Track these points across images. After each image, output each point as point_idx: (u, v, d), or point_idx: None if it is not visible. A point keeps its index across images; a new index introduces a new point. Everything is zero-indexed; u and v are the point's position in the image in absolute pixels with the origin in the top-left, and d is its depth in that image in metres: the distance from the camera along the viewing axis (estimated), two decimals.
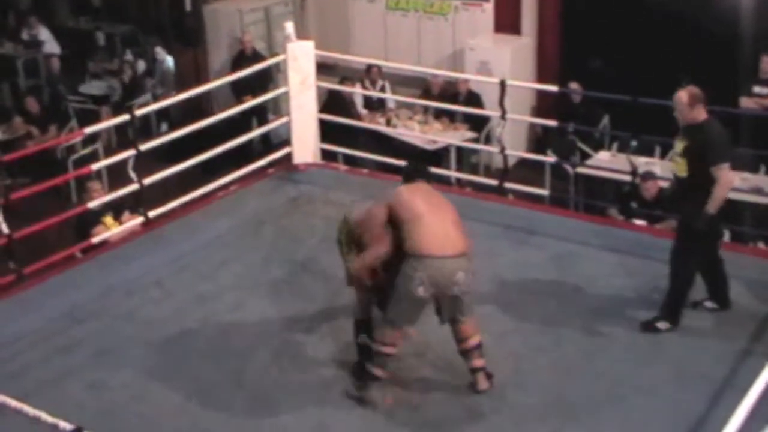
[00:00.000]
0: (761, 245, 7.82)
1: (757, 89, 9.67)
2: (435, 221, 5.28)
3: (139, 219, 7.45)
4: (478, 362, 5.43)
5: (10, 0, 15.05)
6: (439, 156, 10.32)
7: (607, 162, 9.56)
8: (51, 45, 13.81)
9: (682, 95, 5.72)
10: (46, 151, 9.77)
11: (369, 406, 5.34)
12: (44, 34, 13.84)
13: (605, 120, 10.25)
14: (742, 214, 8.75)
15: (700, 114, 5.71)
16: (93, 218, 7.76)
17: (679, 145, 5.80)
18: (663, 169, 9.18)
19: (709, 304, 6.04)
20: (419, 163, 6.01)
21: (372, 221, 5.36)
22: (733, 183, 5.89)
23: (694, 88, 5.73)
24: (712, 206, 5.56)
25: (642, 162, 9.18)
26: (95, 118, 11.30)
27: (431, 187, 5.66)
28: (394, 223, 5.31)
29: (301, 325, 6.19)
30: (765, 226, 8.15)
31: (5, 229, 6.38)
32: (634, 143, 9.29)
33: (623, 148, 9.64)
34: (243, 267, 6.93)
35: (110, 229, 7.64)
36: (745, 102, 9.62)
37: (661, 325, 5.81)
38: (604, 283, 6.52)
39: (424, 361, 5.81)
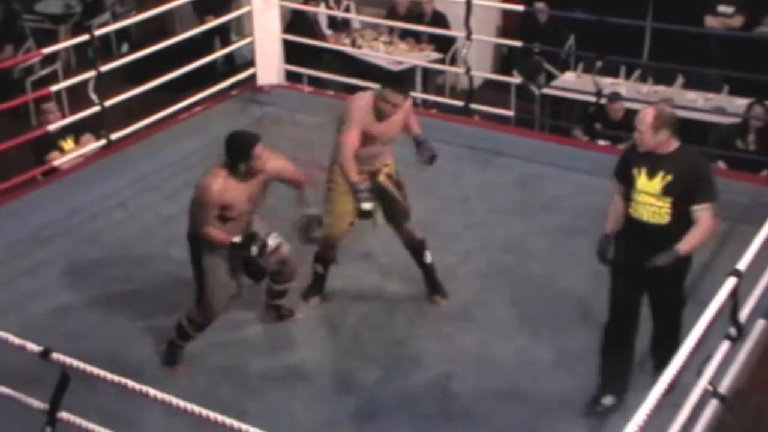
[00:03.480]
0: (721, 165, 7.89)
1: (721, 8, 9.61)
2: None
3: (101, 141, 7.36)
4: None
5: None
6: (405, 76, 10.25)
7: (572, 83, 9.54)
8: None
9: (647, 114, 4.43)
10: (2, 71, 9.59)
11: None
12: None
13: (571, 40, 10.20)
14: (705, 134, 8.84)
15: (669, 142, 4.46)
16: (51, 142, 7.65)
17: (654, 183, 4.48)
18: (628, 90, 9.20)
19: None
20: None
21: None
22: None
23: (664, 107, 4.54)
24: (686, 247, 4.45)
25: (607, 83, 9.19)
26: (53, 38, 11.06)
27: None
28: None
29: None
30: (726, 145, 8.21)
31: None
32: (599, 64, 9.28)
33: (589, 69, 9.64)
34: None
35: (67, 154, 7.54)
36: (710, 21, 9.59)
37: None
38: (569, 203, 6.58)
39: (389, 279, 5.86)
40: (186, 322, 5.11)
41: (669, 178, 4.43)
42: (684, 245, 4.42)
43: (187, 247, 5.04)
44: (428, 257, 5.66)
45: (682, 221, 4.43)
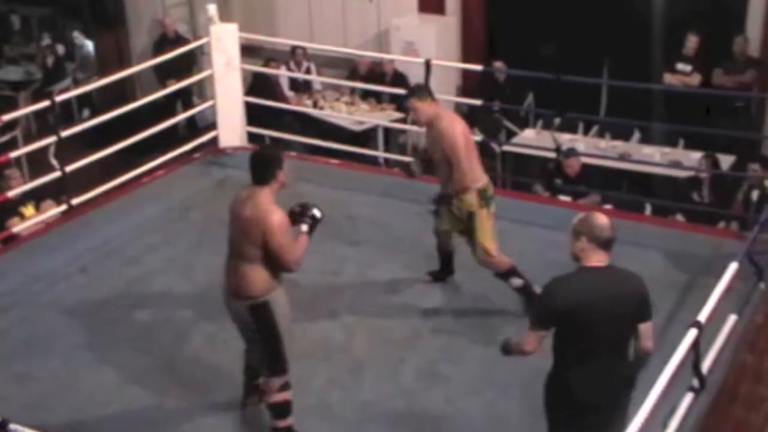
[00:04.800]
0: (679, 217, 8.01)
1: (680, 66, 9.83)
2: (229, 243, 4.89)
3: (62, 207, 7.32)
4: (277, 423, 4.98)
5: None
6: (367, 137, 10.33)
7: (532, 139, 9.67)
8: None
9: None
10: None
11: None
12: None
13: (530, 98, 10.36)
14: (662, 187, 8.97)
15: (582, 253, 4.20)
16: (11, 208, 7.60)
17: None
18: (586, 145, 9.34)
19: None
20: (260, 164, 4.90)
21: None
22: None
23: (596, 217, 4.22)
24: None
25: (566, 139, 9.33)
26: (13, 105, 11.07)
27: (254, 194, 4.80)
28: None
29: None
30: (683, 199, 8.34)
31: None
32: (558, 120, 9.43)
33: (548, 126, 9.78)
34: (171, 251, 6.88)
35: (27, 220, 7.49)
36: (669, 78, 9.78)
37: None
38: (533, 257, 6.60)
39: (356, 337, 5.85)
40: (276, 399, 4.88)
41: None
42: None
43: (243, 317, 4.83)
44: (515, 283, 5.98)
45: None
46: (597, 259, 4.12)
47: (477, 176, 5.88)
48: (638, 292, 4.14)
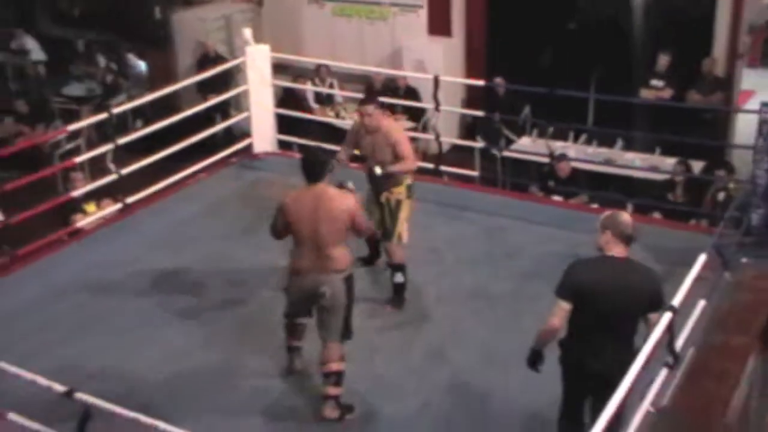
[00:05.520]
0: (657, 215, 7.98)
1: (654, 82, 9.80)
2: (305, 233, 4.88)
3: (118, 205, 7.37)
4: (331, 390, 4.96)
5: None
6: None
7: (528, 146, 9.64)
8: (36, 53, 13.61)
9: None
10: (35, 146, 9.63)
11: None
12: (30, 43, 13.64)
13: (527, 109, 10.31)
14: (642, 188, 8.94)
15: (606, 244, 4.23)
16: (75, 206, 7.67)
17: None
18: (576, 151, 9.31)
19: None
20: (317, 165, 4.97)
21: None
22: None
23: (621, 215, 4.25)
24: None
25: (558, 146, 9.30)
26: (77, 117, 11.11)
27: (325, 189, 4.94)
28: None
29: (261, 292, 6.18)
30: (660, 198, 8.31)
31: (0, 216, 6.27)
32: (551, 129, 9.41)
33: (542, 134, 9.76)
34: (210, 243, 6.90)
35: (89, 216, 7.54)
36: (644, 93, 9.76)
37: None
38: (529, 251, 6.60)
39: (373, 319, 5.84)
40: (337, 367, 4.92)
41: None
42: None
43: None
44: (398, 278, 6.00)
45: None
46: (618, 250, 4.18)
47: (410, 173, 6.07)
48: (651, 285, 4.17)
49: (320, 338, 4.98)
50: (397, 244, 6.00)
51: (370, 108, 5.95)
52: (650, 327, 4.17)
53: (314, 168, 4.90)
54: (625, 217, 4.23)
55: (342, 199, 4.89)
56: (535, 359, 4.39)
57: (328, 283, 4.87)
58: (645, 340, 4.13)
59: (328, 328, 4.95)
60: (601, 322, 4.14)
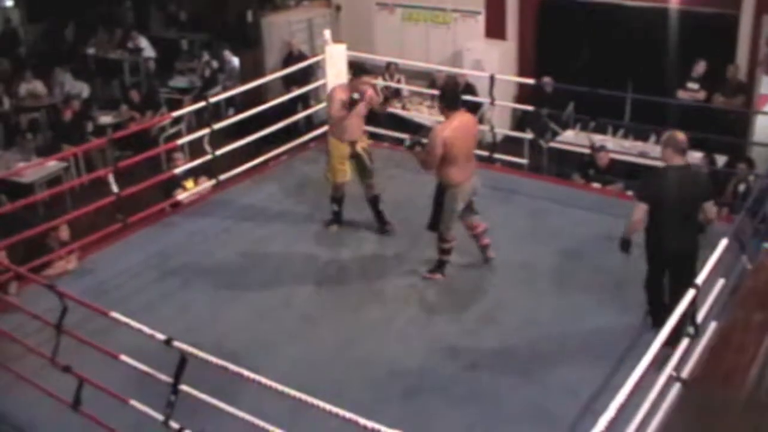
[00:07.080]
0: None
1: (690, 85, 9.68)
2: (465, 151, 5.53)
3: (213, 182, 7.49)
4: (484, 241, 5.96)
5: (117, 19, 15.35)
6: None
7: (571, 138, 9.49)
8: (148, 51, 13.98)
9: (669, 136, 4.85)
10: (144, 130, 9.87)
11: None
12: (143, 42, 14.01)
13: (571, 106, 10.13)
14: None
15: (669, 157, 4.84)
16: (176, 182, 7.82)
17: None
18: (614, 144, 9.13)
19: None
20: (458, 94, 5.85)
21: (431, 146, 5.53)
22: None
23: (677, 134, 4.85)
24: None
25: (598, 139, 9.13)
26: (180, 105, 11.30)
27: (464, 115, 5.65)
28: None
29: (336, 262, 6.25)
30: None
31: (115, 189, 6.44)
32: (592, 124, 9.24)
33: (584, 128, 9.59)
34: (291, 219, 6.96)
35: (188, 191, 7.68)
36: (681, 94, 9.62)
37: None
38: (569, 232, 6.52)
39: (430, 289, 5.86)
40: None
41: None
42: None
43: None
44: (380, 206, 6.48)
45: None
46: (677, 160, 4.81)
47: None
48: (704, 184, 4.90)
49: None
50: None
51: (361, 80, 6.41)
52: (708, 213, 4.81)
53: (458, 96, 5.59)
54: (681, 135, 4.81)
55: (475, 120, 5.65)
56: (625, 246, 4.97)
57: (477, 183, 5.71)
58: (701, 225, 4.83)
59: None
60: (672, 213, 4.76)
